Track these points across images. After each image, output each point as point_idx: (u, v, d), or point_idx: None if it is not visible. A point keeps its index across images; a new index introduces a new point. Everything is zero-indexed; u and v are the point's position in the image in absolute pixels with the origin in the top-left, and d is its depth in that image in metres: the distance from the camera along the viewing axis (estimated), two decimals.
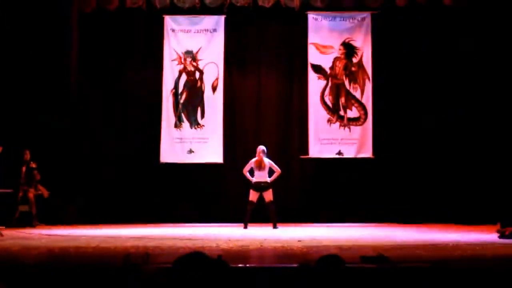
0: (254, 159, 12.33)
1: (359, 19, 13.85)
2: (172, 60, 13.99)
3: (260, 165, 12.25)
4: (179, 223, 13.15)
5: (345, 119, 13.78)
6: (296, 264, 4.68)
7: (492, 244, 8.71)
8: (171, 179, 13.92)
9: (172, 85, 13.97)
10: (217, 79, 13.94)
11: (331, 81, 13.87)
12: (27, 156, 13.08)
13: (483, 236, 10.00)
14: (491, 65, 13.19)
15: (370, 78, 13.79)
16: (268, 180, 12.26)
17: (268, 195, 12.22)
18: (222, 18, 13.86)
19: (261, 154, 12.30)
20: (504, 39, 13.04)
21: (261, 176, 12.26)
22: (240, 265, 6.01)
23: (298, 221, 13.16)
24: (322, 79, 13.87)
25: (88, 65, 14.03)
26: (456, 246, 8.33)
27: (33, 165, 13.10)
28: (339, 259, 4.35)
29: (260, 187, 12.23)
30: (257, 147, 12.44)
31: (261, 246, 8.53)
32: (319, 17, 13.87)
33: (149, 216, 13.42)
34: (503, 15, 13.03)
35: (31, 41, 13.43)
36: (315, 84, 13.85)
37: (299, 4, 13.31)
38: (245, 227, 12.01)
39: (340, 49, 13.88)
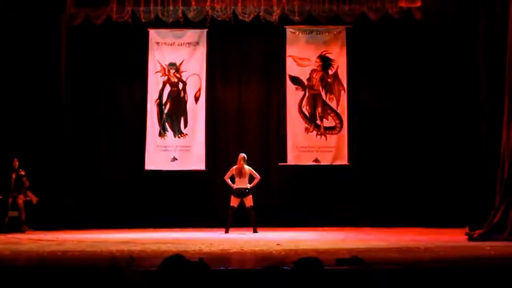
0: (235, 166, 12.50)
1: (335, 33, 14.13)
2: (156, 72, 14.20)
3: (240, 172, 12.43)
4: (163, 228, 13.25)
5: (322, 128, 14.03)
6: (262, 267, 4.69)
7: (461, 246, 8.97)
8: (156, 186, 14.12)
9: (156, 96, 14.17)
10: (199, 90, 14.15)
11: (308, 92, 14.13)
12: (16, 163, 13.11)
13: (453, 238, 10.25)
14: (461, 76, 13.39)
15: (345, 89, 14.06)
16: (249, 186, 12.43)
17: (249, 201, 12.39)
18: (204, 32, 14.08)
19: (241, 162, 12.47)
20: (472, 51, 13.36)
21: (241, 183, 12.42)
22: (221, 267, 6.18)
23: (277, 226, 13.28)
24: (300, 90, 14.14)
25: (77, 76, 14.19)
26: (427, 248, 8.52)
27: (22, 173, 13.16)
28: (318, 261, 4.39)
29: (241, 193, 12.40)
30: (238, 154, 12.61)
31: (242, 249, 8.67)
32: (297, 31, 14.14)
33: (134, 221, 13.55)
34: (469, 27, 13.37)
35: (21, 52, 13.52)
36: (293, 95, 14.12)
37: (278, 18, 13.44)
38: (227, 231, 12.16)
39: (316, 62, 14.15)
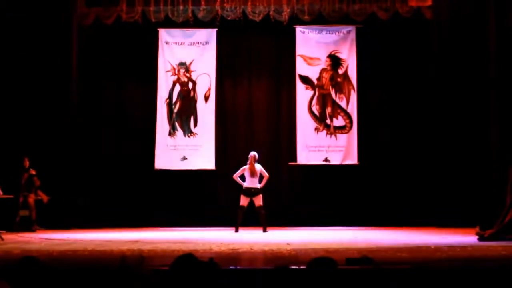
0: (246, 167, 12.49)
1: (345, 32, 14.12)
2: (166, 71, 14.23)
3: (253, 172, 12.43)
4: (173, 227, 13.30)
5: (332, 127, 14.02)
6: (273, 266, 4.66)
7: (471, 246, 8.93)
8: (165, 185, 14.16)
9: (166, 95, 14.21)
10: (209, 89, 14.18)
11: (318, 91, 14.13)
12: (27, 163, 13.19)
13: (463, 238, 10.22)
14: (471, 75, 13.34)
15: (355, 88, 14.04)
16: (259, 186, 12.43)
17: (258, 200, 12.38)
18: (214, 31, 14.10)
19: (253, 161, 12.49)
20: (482, 51, 13.32)
21: (252, 182, 12.42)
22: (231, 267, 6.24)
23: (287, 225, 13.31)
24: (310, 89, 14.13)
25: (87, 76, 14.22)
26: (437, 248, 8.54)
27: (33, 172, 13.21)
28: (332, 261, 4.31)
29: (251, 192, 12.40)
30: (247, 154, 12.62)
31: (251, 249, 8.67)
32: (307, 31, 14.13)
33: (144, 220, 13.60)
34: (479, 26, 13.34)
35: (33, 52, 13.58)
36: (303, 94, 14.12)
37: (288, 18, 13.47)
38: (236, 231, 12.17)
39: (326, 61, 14.14)
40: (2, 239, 10.65)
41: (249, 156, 12.59)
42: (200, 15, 13.66)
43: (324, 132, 14.06)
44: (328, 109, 14.12)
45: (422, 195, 13.55)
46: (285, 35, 14.13)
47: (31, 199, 13.19)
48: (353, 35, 14.10)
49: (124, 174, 14.16)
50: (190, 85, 14.30)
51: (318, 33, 14.19)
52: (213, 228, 13.01)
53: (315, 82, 14.16)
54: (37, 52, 13.62)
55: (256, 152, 12.78)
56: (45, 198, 13.26)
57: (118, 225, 13.27)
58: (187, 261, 4.00)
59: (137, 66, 14.45)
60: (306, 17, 13.60)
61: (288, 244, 9.23)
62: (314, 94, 14.16)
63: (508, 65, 12.76)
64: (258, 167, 12.56)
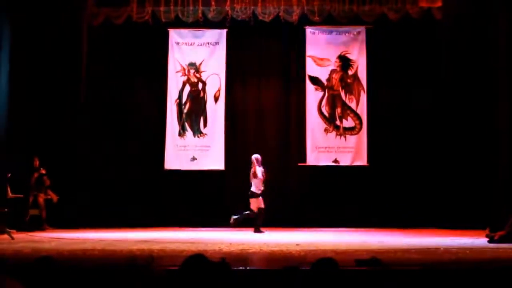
0: (261, 168, 12.58)
1: (355, 33, 14.13)
2: (176, 72, 14.28)
3: (255, 174, 12.54)
4: (183, 227, 13.34)
5: (341, 128, 14.02)
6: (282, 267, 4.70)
7: (481, 248, 8.94)
8: (175, 185, 14.19)
9: (176, 96, 14.26)
10: (219, 89, 14.20)
11: (328, 92, 14.13)
12: (37, 163, 13.26)
13: (473, 240, 10.20)
14: (481, 76, 13.29)
15: (365, 89, 14.05)
16: (254, 189, 12.52)
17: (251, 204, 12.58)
18: (224, 32, 14.14)
19: (259, 164, 12.57)
20: (492, 51, 13.25)
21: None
22: (241, 267, 6.22)
23: (296, 226, 13.32)
24: (319, 90, 14.13)
25: (97, 76, 14.22)
26: (447, 250, 8.56)
27: (43, 171, 13.27)
28: (333, 261, 4.32)
29: (248, 195, 12.56)
30: (256, 154, 12.69)
31: (261, 250, 8.68)
32: (317, 31, 14.14)
33: (153, 220, 13.63)
34: (489, 28, 13.28)
35: (42, 51, 13.60)
36: (313, 95, 14.12)
37: (297, 18, 13.52)
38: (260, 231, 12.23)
39: (336, 62, 14.15)
40: (13, 238, 10.71)
41: (255, 158, 12.63)
42: (210, 15, 13.69)
43: (334, 133, 14.07)
44: (338, 110, 14.12)
45: (432, 197, 13.51)
46: (295, 36, 14.17)
47: (41, 198, 13.25)
48: (363, 36, 14.12)
49: (134, 174, 14.15)
50: (200, 85, 14.34)
51: (328, 34, 14.21)
52: (222, 228, 12.99)
53: (325, 83, 14.17)
54: (46, 52, 13.65)
55: (266, 152, 12.89)
56: (55, 197, 13.32)
57: (128, 225, 13.28)
58: (198, 261, 4.01)
59: (147, 67, 14.49)
60: (316, 18, 13.60)
61: (297, 245, 9.24)
62: (324, 95, 14.16)
63: None
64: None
